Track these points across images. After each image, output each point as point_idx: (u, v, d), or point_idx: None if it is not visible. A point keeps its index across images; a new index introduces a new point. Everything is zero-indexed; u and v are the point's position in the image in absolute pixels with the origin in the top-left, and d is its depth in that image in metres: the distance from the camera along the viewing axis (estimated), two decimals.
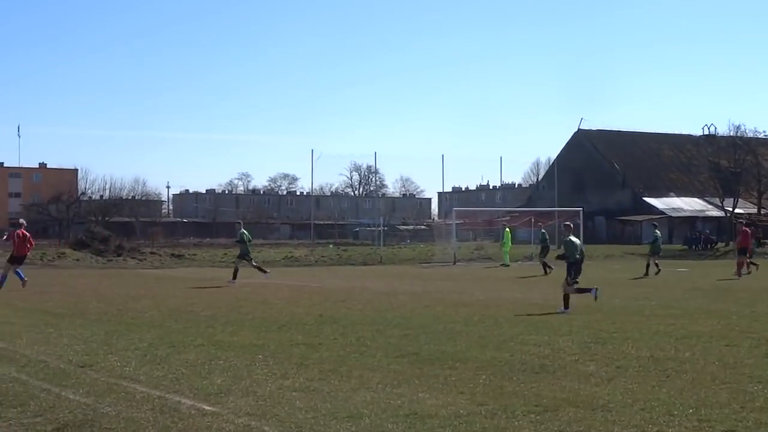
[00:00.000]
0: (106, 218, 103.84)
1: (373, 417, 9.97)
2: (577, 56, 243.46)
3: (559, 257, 25.32)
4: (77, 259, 57.34)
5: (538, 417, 10.01)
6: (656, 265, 42.74)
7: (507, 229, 60.57)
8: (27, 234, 32.56)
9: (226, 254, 64.60)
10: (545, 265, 45.04)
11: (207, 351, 15.45)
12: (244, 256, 36.62)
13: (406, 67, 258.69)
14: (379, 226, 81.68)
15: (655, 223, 51.89)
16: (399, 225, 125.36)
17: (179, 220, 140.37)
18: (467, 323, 20.09)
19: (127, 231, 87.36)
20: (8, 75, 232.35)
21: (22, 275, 31.81)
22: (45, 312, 23.04)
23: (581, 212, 68.87)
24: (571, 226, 25.25)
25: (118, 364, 13.96)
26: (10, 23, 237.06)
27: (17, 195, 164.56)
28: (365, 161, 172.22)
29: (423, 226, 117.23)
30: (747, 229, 43.07)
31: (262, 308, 24.12)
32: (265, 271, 36.42)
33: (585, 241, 66.67)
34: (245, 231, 37.21)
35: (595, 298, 24.05)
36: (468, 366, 13.71)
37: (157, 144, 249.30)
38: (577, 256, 24.00)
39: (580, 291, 23.92)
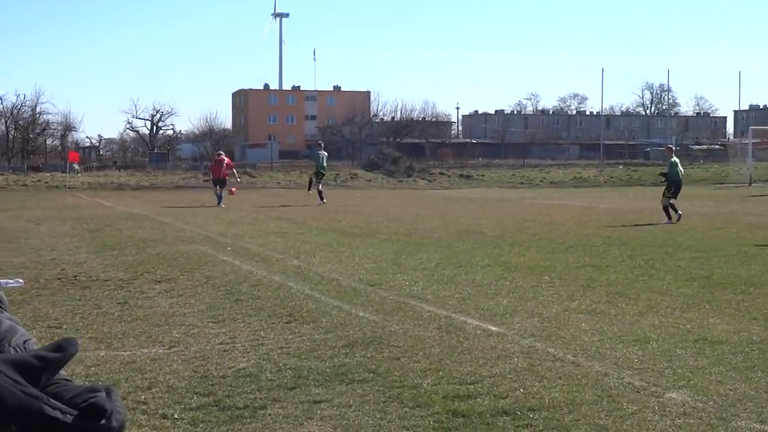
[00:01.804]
0: (397, 139, 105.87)
1: (660, 341, 9.75)
2: None
3: (661, 174, 28.77)
4: (369, 180, 58.98)
5: None
6: None
7: None
8: (221, 159, 37.96)
9: (514, 175, 64.74)
10: None
11: (493, 271, 15.53)
12: (318, 175, 37.72)
13: None
14: (671, 145, 79.46)
15: None
16: (692, 145, 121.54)
17: (468, 140, 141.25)
18: (762, 246, 19.31)
19: (417, 152, 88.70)
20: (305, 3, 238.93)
21: (220, 198, 36.32)
22: (338, 231, 23.78)
23: None
24: (672, 148, 30.18)
25: (407, 283, 14.24)
26: None
27: (313, 118, 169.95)
28: (657, 79, 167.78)
29: (717, 146, 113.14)
30: None
31: (549, 229, 24.03)
32: (323, 199, 36.63)
33: None
34: (326, 153, 38.23)
35: (671, 222, 25.86)
36: (762, 291, 13.19)
37: (447, 64, 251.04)
38: (679, 176, 27.17)
39: (673, 208, 26.59)
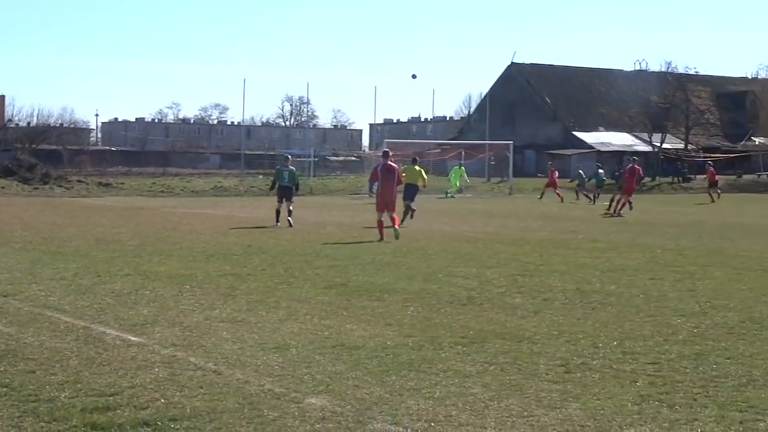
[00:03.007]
0: (33, 146, 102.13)
1: (300, 348, 9.95)
2: None
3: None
4: (2, 187, 56.40)
5: (464, 348, 10.06)
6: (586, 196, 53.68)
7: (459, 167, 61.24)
8: None
9: (154, 183, 64.12)
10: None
11: (133, 281, 15.31)
12: None
13: None
14: (309, 156, 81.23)
15: (598, 164, 59.39)
16: (329, 156, 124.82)
17: (107, 148, 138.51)
18: (396, 255, 20.12)
19: (54, 159, 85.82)
20: None
21: None
22: None
23: (511, 146, 69.19)
24: (290, 158, 32.55)
25: (43, 293, 13.79)
26: None
27: None
28: (297, 92, 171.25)
29: (353, 158, 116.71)
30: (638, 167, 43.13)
31: (189, 238, 23.95)
32: None
33: (514, 174, 67.90)
34: None
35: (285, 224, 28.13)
36: (396, 298, 13.74)
37: (87, 72, 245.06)
38: (285, 182, 29.32)
39: (276, 214, 28.76)
